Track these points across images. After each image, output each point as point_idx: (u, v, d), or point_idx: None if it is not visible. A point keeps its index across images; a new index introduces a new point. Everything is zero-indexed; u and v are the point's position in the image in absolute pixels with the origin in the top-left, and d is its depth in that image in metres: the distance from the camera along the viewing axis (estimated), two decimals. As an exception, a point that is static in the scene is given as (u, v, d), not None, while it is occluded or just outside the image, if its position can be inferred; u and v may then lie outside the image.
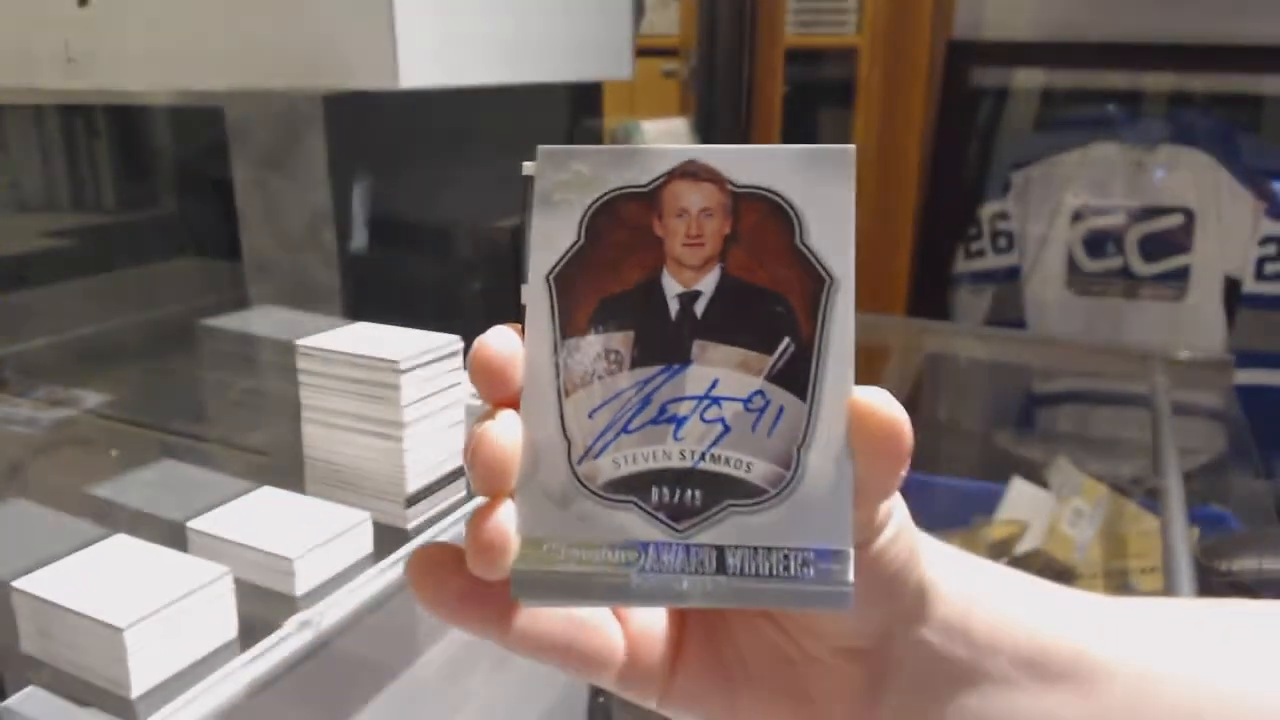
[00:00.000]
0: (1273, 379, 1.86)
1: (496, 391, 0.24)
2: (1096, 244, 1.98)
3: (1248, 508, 1.38)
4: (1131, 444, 1.86)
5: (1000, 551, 1.27)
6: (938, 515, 1.40)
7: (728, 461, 0.24)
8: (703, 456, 0.24)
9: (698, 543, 0.23)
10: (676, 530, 0.23)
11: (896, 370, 1.76)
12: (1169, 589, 0.84)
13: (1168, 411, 1.20)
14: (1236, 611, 0.32)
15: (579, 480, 0.24)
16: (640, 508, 0.24)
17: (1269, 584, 0.99)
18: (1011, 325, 2.03)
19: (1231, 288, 1.89)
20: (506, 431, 0.23)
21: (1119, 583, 1.21)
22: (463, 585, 0.24)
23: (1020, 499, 1.34)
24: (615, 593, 0.23)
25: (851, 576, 0.23)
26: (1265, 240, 1.85)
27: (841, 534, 0.23)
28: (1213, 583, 1.00)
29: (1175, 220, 1.92)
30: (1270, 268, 1.85)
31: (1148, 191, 1.93)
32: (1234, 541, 1.06)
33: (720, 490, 0.24)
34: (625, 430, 0.24)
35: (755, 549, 0.23)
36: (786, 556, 0.23)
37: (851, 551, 0.23)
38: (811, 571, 0.23)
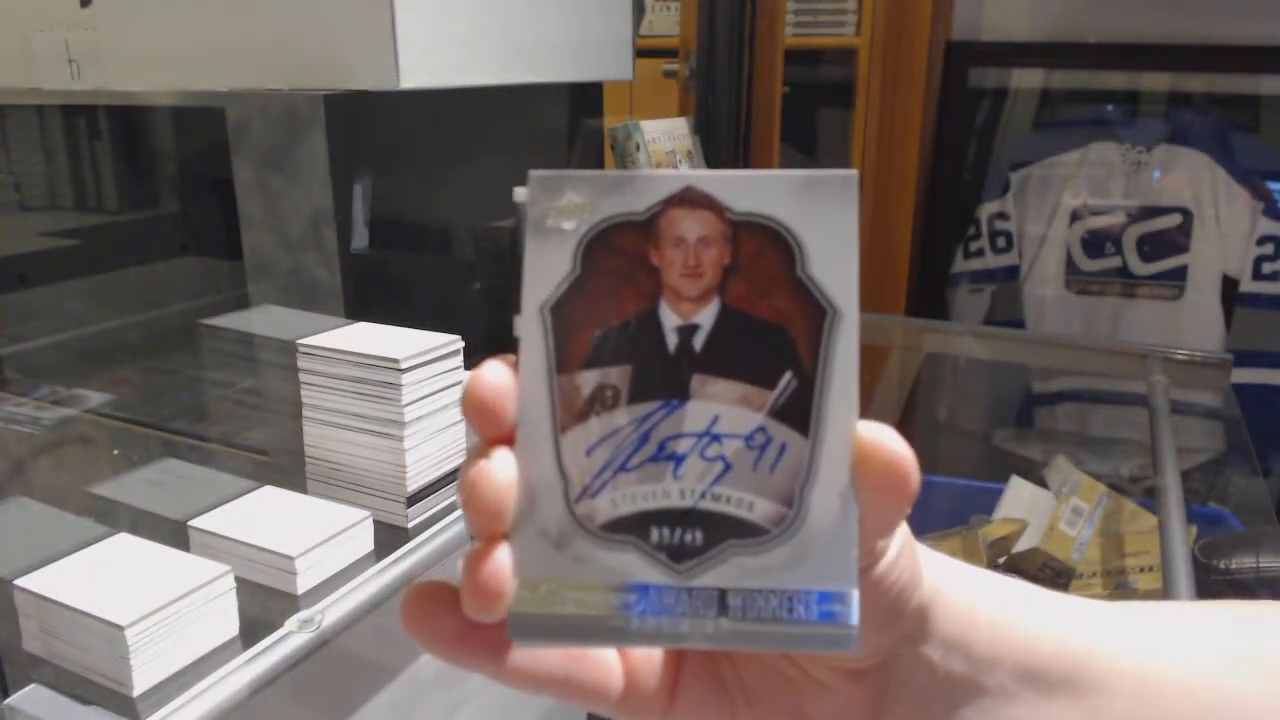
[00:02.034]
0: (1270, 378, 1.87)
1: (490, 428, 0.23)
2: (1095, 244, 1.98)
3: (1246, 506, 1.38)
4: (1130, 443, 1.87)
5: (999, 550, 1.28)
6: (937, 514, 1.40)
7: (729, 500, 0.23)
8: (703, 495, 0.23)
9: (699, 585, 0.23)
10: (677, 571, 0.23)
11: (896, 370, 1.76)
12: (1167, 587, 0.84)
13: (1166, 410, 1.20)
14: (1236, 616, 0.32)
15: (576, 520, 0.23)
16: (639, 548, 0.23)
17: (1267, 582, 0.99)
18: (1010, 325, 2.03)
19: (1229, 287, 1.90)
20: (502, 471, 0.22)
21: (1117, 581, 1.21)
22: (458, 625, 0.24)
23: (1019, 498, 1.34)
24: (614, 634, 0.23)
25: (855, 620, 0.22)
26: (1263, 240, 1.85)
27: (845, 575, 0.22)
28: (1211, 581, 1.00)
29: (1173, 220, 1.92)
30: (1268, 267, 1.85)
31: (1146, 191, 1.94)
32: (1232, 540, 1.07)
33: (721, 530, 0.23)
34: (623, 468, 0.23)
35: (757, 591, 0.23)
36: (790, 598, 0.23)
37: (855, 594, 0.22)
38: (815, 614, 0.22)
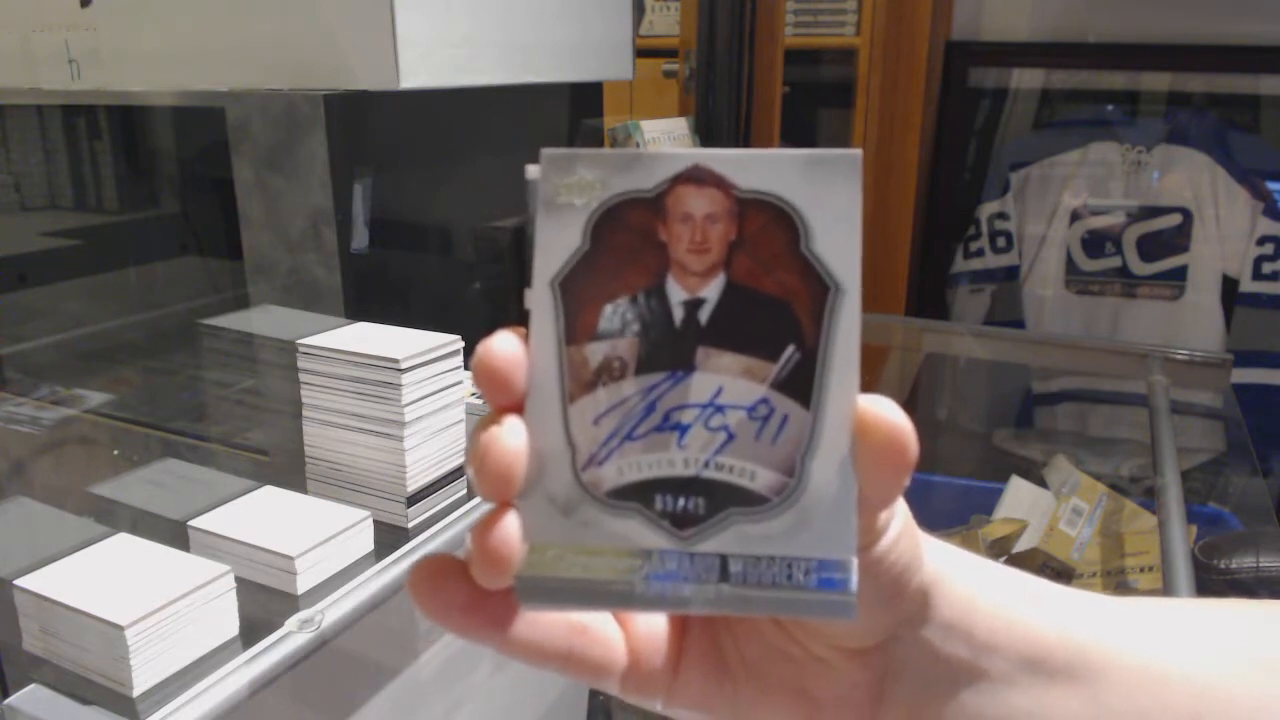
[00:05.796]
0: (1270, 378, 1.87)
1: (501, 397, 0.24)
2: (1095, 244, 1.98)
3: (1246, 506, 1.39)
4: (1129, 443, 1.87)
5: (999, 550, 1.28)
6: (936, 514, 1.40)
7: (731, 469, 0.24)
8: (706, 464, 0.24)
9: (701, 550, 0.23)
10: (680, 538, 0.23)
11: (896, 370, 1.76)
12: (1167, 587, 0.84)
13: (1166, 410, 1.20)
14: (1237, 611, 0.32)
15: (583, 487, 0.24)
16: (644, 515, 0.24)
17: (1267, 582, 0.99)
18: (1010, 325, 2.03)
19: (1229, 287, 1.90)
20: (513, 438, 0.23)
21: (1117, 581, 1.21)
22: (465, 595, 0.24)
23: (1019, 498, 1.34)
24: (619, 599, 0.23)
25: (854, 586, 0.23)
26: (1263, 240, 1.85)
27: (845, 543, 0.23)
28: (1211, 581, 1.00)
29: (1173, 220, 1.92)
30: (1267, 267, 1.85)
31: (1145, 191, 1.94)
32: (1232, 540, 1.06)
33: (724, 498, 0.24)
34: (629, 437, 0.24)
35: (758, 557, 0.23)
36: (789, 565, 0.23)
37: (854, 561, 0.23)
38: (814, 580, 0.23)
